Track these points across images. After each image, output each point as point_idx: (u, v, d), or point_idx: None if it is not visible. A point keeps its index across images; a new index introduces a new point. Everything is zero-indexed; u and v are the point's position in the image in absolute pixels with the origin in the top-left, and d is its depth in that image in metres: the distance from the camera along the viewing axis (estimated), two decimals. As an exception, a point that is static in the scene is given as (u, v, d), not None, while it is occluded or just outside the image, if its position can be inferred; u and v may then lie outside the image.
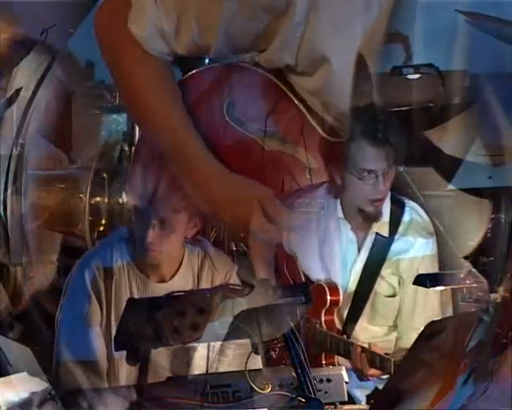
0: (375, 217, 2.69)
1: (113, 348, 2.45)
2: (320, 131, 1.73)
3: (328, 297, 2.67)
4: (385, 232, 2.70)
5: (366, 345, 2.60)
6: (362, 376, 2.52)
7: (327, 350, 2.63)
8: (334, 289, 2.69)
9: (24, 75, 3.12)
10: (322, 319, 2.68)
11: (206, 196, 1.73)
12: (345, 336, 2.67)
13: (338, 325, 2.72)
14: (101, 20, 1.75)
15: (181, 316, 1.91)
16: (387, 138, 2.37)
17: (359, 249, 2.74)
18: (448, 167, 1.68)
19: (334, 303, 2.68)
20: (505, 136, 1.54)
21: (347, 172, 2.59)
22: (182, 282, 2.51)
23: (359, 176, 2.57)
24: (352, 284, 2.74)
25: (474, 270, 2.06)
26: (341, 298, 2.69)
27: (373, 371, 2.52)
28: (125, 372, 2.44)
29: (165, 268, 2.52)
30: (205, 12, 1.60)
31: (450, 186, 1.80)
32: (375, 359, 2.50)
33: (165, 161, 1.80)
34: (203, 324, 1.90)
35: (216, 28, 1.60)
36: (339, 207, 2.73)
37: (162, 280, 2.53)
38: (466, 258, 2.16)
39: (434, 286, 2.32)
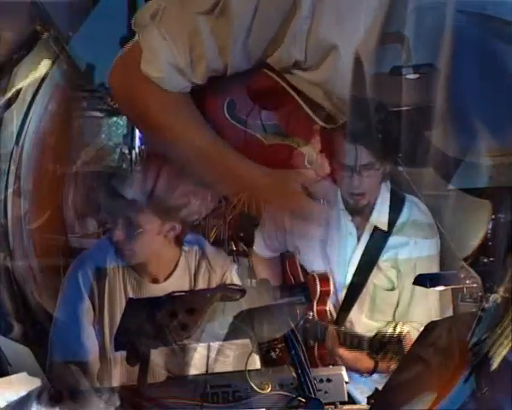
0: (358, 210, 2.70)
1: (106, 348, 2.46)
2: (316, 120, 1.74)
3: (318, 288, 2.67)
4: (384, 226, 2.71)
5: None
6: (332, 355, 2.55)
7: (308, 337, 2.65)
8: (324, 279, 2.70)
9: (24, 76, 3.13)
10: (315, 309, 2.69)
11: (255, 196, 1.78)
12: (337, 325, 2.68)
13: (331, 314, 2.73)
14: (115, 76, 1.77)
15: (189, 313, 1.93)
16: (368, 137, 2.38)
17: (358, 240, 2.74)
18: (448, 167, 1.68)
19: (325, 293, 2.69)
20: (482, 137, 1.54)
21: (333, 163, 2.61)
22: (178, 282, 2.52)
23: (336, 167, 2.58)
24: (351, 276, 2.75)
25: (466, 266, 2.07)
26: (332, 288, 2.70)
27: (342, 350, 2.54)
28: (119, 372, 2.44)
29: (156, 268, 2.52)
30: (217, 34, 1.61)
31: (450, 186, 1.79)
32: (347, 338, 2.53)
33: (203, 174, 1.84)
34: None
35: (230, 47, 1.61)
36: (340, 199, 2.73)
37: (157, 281, 2.53)
38: (466, 258, 2.16)
39: (434, 286, 2.32)
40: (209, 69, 1.66)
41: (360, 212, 2.72)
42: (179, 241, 2.54)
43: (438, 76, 1.46)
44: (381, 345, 2.42)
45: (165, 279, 2.54)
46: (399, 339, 2.39)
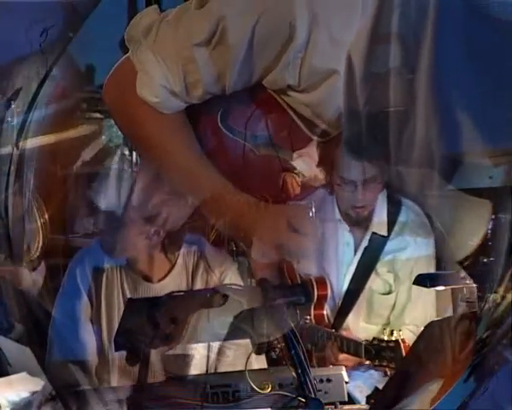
0: (359, 222, 2.71)
1: (104, 345, 2.47)
2: (309, 134, 1.75)
3: (316, 292, 2.67)
4: (383, 232, 2.71)
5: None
6: (333, 361, 2.55)
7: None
8: (321, 283, 2.70)
9: (24, 76, 3.13)
10: (312, 313, 2.69)
11: (240, 226, 1.77)
12: (334, 329, 2.68)
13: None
14: (110, 92, 1.77)
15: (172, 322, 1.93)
16: (370, 152, 2.38)
17: (356, 250, 2.75)
18: (448, 167, 1.68)
19: (323, 297, 2.69)
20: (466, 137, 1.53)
21: (332, 176, 2.62)
22: (174, 282, 2.52)
23: (339, 182, 2.59)
24: (348, 282, 2.75)
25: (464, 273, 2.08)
26: (329, 292, 2.70)
27: (343, 356, 2.54)
28: (118, 370, 2.44)
29: (148, 269, 2.52)
30: (214, 63, 1.61)
31: (450, 186, 1.80)
32: (344, 344, 2.53)
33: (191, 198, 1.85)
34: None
35: (228, 74, 1.61)
36: (336, 209, 2.74)
37: (153, 280, 2.53)
38: (466, 258, 2.17)
39: (434, 286, 2.32)
40: (206, 93, 1.67)
41: (360, 223, 2.72)
42: (164, 248, 2.54)
43: (422, 73, 1.46)
44: (377, 351, 2.42)
45: (162, 279, 2.54)
46: (396, 345, 2.39)
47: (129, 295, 2.48)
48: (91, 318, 2.52)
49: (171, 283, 2.50)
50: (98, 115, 3.83)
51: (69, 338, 2.49)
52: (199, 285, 2.53)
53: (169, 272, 2.54)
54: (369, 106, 1.55)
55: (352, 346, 2.51)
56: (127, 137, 2.00)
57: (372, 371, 2.57)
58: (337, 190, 2.65)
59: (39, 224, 3.12)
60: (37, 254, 3.09)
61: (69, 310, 2.51)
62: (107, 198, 2.57)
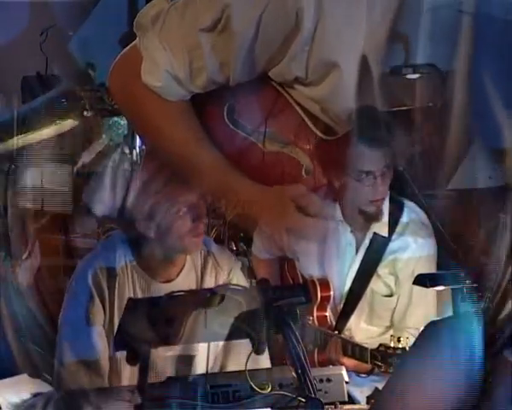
0: (377, 216, 2.68)
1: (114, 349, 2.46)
2: (316, 131, 1.75)
3: (319, 293, 2.67)
4: (384, 232, 2.71)
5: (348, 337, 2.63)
6: (335, 364, 2.54)
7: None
8: (325, 285, 2.69)
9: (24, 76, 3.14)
10: (315, 314, 2.68)
11: (248, 211, 1.77)
12: (336, 331, 2.67)
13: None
14: (115, 78, 1.78)
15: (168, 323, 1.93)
16: (384, 139, 2.37)
17: (357, 250, 2.74)
18: (448, 167, 1.68)
19: (326, 299, 2.68)
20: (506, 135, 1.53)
21: (346, 175, 2.59)
22: (185, 281, 2.51)
23: (357, 178, 2.56)
24: (349, 283, 2.74)
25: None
26: (332, 293, 2.69)
27: (345, 360, 2.54)
28: (128, 373, 2.43)
29: (159, 267, 2.52)
30: (219, 50, 1.61)
31: (450, 186, 1.80)
32: (349, 348, 2.52)
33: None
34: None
35: (232, 63, 1.62)
36: (338, 210, 2.72)
37: (166, 280, 2.53)
38: (466, 258, 2.16)
39: (434, 286, 2.31)
40: (210, 81, 1.67)
41: (377, 217, 2.69)
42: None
43: (456, 74, 1.46)
44: (383, 357, 2.40)
45: (173, 279, 2.54)
46: (403, 352, 2.37)
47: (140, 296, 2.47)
48: (104, 321, 2.50)
49: (182, 282, 2.50)
50: (98, 114, 3.84)
51: (82, 343, 2.47)
52: (208, 283, 2.52)
53: (180, 271, 2.54)
54: (389, 104, 1.56)
55: (357, 350, 2.50)
56: (132, 122, 2.01)
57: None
58: (354, 187, 2.60)
59: (38, 223, 3.12)
60: (36, 252, 3.10)
61: (81, 315, 2.48)
62: (109, 196, 2.57)
